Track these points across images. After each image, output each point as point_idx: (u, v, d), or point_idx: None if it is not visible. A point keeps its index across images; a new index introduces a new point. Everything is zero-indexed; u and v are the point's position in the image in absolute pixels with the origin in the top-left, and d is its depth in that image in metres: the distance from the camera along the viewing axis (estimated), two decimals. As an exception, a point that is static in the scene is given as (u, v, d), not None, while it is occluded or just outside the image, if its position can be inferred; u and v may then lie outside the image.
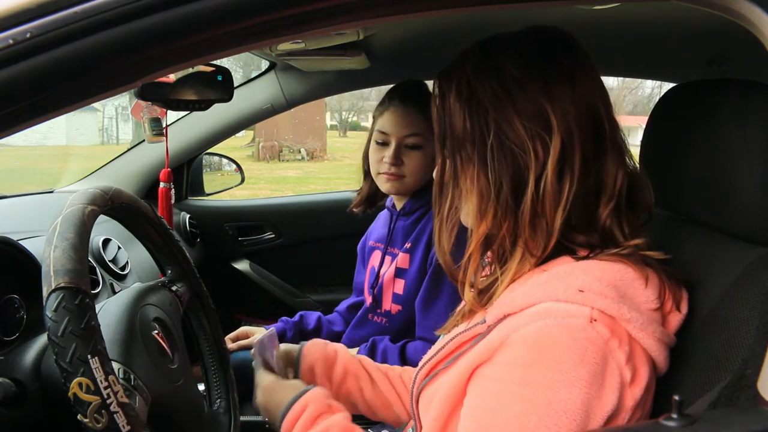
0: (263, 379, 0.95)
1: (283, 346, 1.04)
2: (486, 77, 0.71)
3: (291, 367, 1.03)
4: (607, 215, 0.70)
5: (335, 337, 1.60)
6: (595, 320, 0.63)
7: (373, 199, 1.56)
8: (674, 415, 0.52)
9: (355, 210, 1.59)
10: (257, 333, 1.61)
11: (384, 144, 1.41)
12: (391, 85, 1.48)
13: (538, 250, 0.70)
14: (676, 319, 0.70)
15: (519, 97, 0.69)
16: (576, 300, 0.64)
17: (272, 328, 1.34)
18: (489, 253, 0.77)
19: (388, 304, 1.46)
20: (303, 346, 1.04)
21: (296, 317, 1.64)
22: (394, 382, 1.04)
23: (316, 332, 1.62)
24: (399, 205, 1.48)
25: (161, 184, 1.67)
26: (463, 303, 0.80)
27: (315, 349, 1.04)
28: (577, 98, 0.69)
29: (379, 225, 1.59)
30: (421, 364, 0.79)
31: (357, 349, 1.42)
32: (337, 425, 0.82)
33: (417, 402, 0.78)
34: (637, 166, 0.77)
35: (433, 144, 1.23)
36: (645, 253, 0.70)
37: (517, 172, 0.69)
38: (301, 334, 1.61)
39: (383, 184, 1.43)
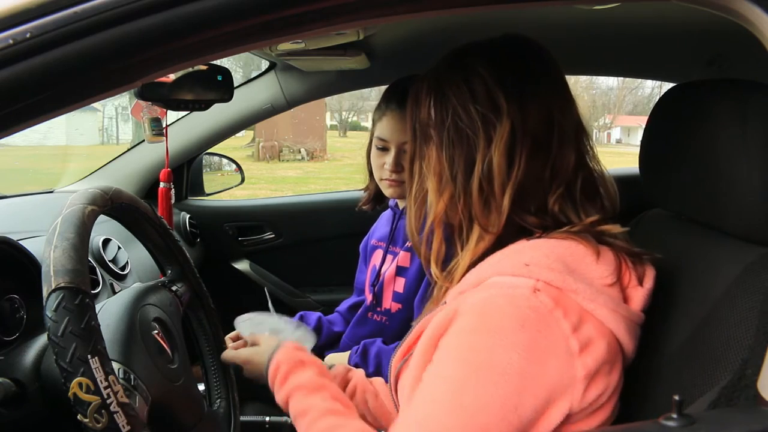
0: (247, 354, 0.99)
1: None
2: (453, 74, 0.78)
3: None
4: (555, 201, 0.75)
5: (335, 338, 1.60)
6: (539, 290, 0.66)
7: (381, 196, 1.56)
8: (674, 415, 0.52)
9: (364, 208, 1.59)
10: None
11: (384, 149, 1.41)
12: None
13: (493, 227, 0.75)
14: (638, 294, 0.73)
15: (478, 88, 0.75)
16: (521, 273, 0.68)
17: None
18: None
19: (388, 303, 1.46)
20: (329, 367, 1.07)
21: (296, 317, 1.64)
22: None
23: (317, 332, 1.62)
24: (402, 204, 1.49)
25: (161, 184, 1.67)
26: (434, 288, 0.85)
27: (337, 371, 1.08)
28: (535, 98, 0.75)
29: (381, 224, 1.59)
30: (394, 353, 0.82)
31: (349, 353, 1.42)
32: (306, 383, 0.86)
33: (396, 390, 0.81)
34: (603, 169, 0.81)
35: None
36: (602, 228, 0.74)
37: (469, 153, 0.76)
38: None
39: (386, 189, 1.44)
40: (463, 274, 0.77)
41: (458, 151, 0.76)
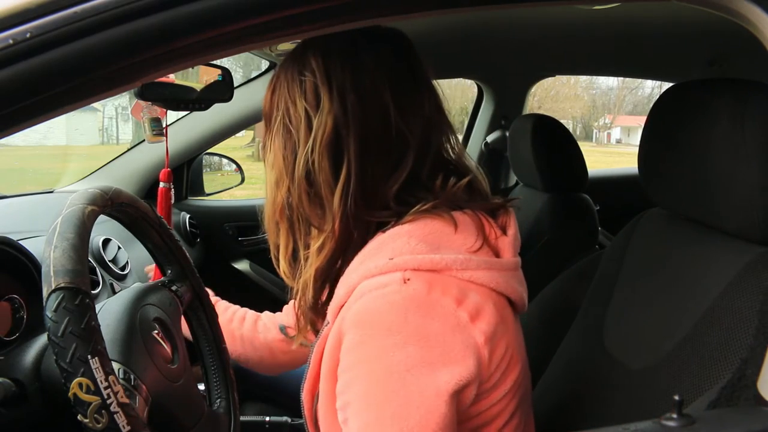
0: None
1: None
2: (292, 65, 0.76)
3: None
4: (391, 196, 0.72)
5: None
6: (408, 279, 0.65)
7: None
8: (674, 415, 0.52)
9: None
10: None
11: None
12: None
13: (328, 226, 0.73)
14: (505, 243, 0.73)
15: (308, 82, 0.73)
16: (388, 269, 0.67)
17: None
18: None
19: None
20: None
21: None
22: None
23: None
24: None
25: (161, 184, 1.67)
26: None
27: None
28: (365, 96, 0.72)
29: None
30: (302, 385, 0.79)
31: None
32: None
33: (316, 424, 0.77)
34: (476, 175, 0.78)
35: None
36: (449, 193, 0.72)
37: (294, 148, 0.75)
38: None
39: None
40: (316, 285, 0.76)
41: (288, 144, 0.75)
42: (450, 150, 0.77)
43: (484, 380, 0.66)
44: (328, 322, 0.73)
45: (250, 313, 1.17)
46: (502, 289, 0.69)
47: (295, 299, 0.82)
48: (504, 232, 0.74)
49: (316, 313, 0.80)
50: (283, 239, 0.80)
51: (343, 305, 0.70)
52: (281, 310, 1.22)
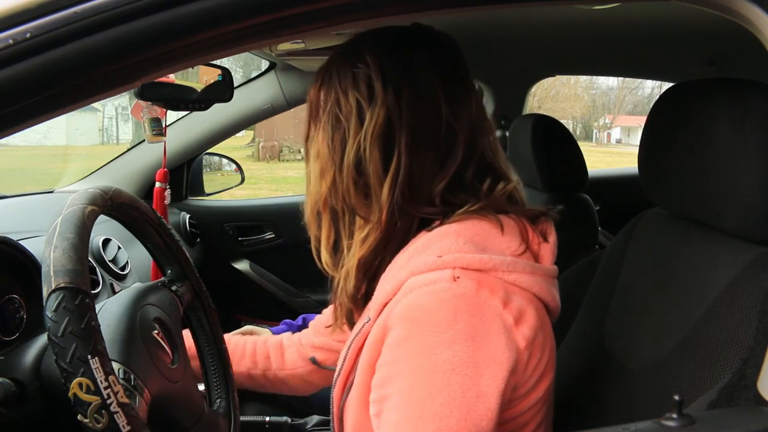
0: None
1: None
2: (344, 58, 0.77)
3: None
4: (437, 195, 0.73)
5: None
6: (458, 277, 0.65)
7: None
8: (674, 415, 0.52)
9: None
10: (261, 333, 1.61)
11: None
12: None
13: (375, 217, 0.74)
14: (546, 249, 0.74)
15: (361, 74, 0.74)
16: (437, 266, 0.67)
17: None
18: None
19: None
20: None
21: (299, 320, 1.64)
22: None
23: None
24: None
25: (156, 184, 1.67)
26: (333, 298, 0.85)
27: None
28: (419, 91, 0.73)
29: None
30: (334, 380, 0.79)
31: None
32: None
33: (341, 420, 0.77)
34: (512, 179, 0.79)
35: None
36: (494, 197, 0.73)
37: (344, 138, 0.75)
38: None
39: None
40: (359, 274, 0.76)
41: (336, 134, 0.76)
42: (492, 154, 0.78)
43: (520, 385, 0.67)
44: (369, 319, 0.73)
45: (270, 344, 1.12)
46: (542, 294, 0.69)
47: (335, 290, 0.83)
48: (545, 239, 0.74)
49: (355, 304, 0.80)
50: (325, 230, 0.81)
51: (388, 302, 0.70)
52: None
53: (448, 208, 0.73)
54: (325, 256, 0.82)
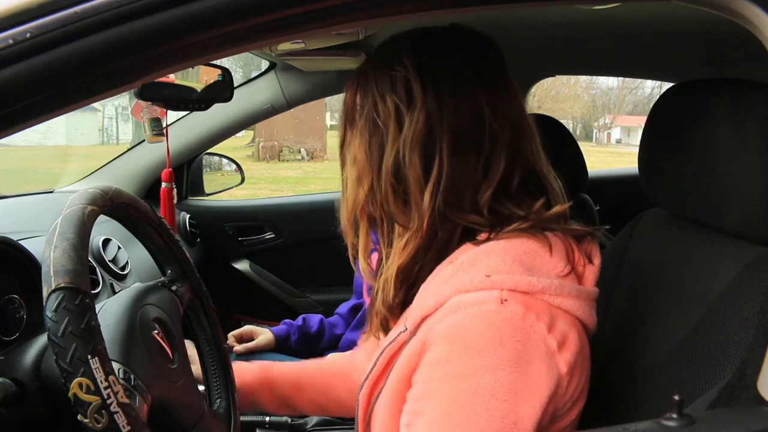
0: None
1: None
2: (381, 60, 0.75)
3: None
4: (484, 203, 0.71)
5: (337, 340, 1.60)
6: (506, 300, 0.63)
7: None
8: (674, 415, 0.52)
9: None
10: (261, 333, 1.61)
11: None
12: None
13: (414, 224, 0.72)
14: (591, 271, 0.72)
15: (399, 77, 0.72)
16: (484, 286, 0.65)
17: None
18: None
19: None
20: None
21: (299, 320, 1.64)
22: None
23: (319, 335, 1.62)
24: None
25: (163, 184, 1.67)
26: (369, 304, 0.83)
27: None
28: (459, 92, 0.71)
29: None
30: (362, 383, 0.79)
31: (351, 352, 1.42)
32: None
33: (368, 424, 0.77)
34: (550, 173, 0.77)
35: None
36: (544, 216, 0.71)
37: (382, 143, 0.73)
38: (305, 337, 1.61)
39: None
40: (397, 283, 0.75)
41: (374, 139, 0.74)
42: (534, 157, 0.75)
43: (557, 410, 0.66)
44: (406, 328, 0.71)
45: (317, 378, 1.05)
46: (584, 317, 0.68)
47: (373, 297, 0.81)
48: (590, 260, 0.72)
49: (392, 312, 0.78)
50: (362, 238, 0.79)
51: (428, 315, 0.68)
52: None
53: (496, 219, 0.71)
54: (362, 264, 0.80)
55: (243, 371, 1.03)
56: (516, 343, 0.62)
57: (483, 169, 0.71)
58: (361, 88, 0.76)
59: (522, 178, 0.73)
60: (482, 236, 0.71)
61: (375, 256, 1.53)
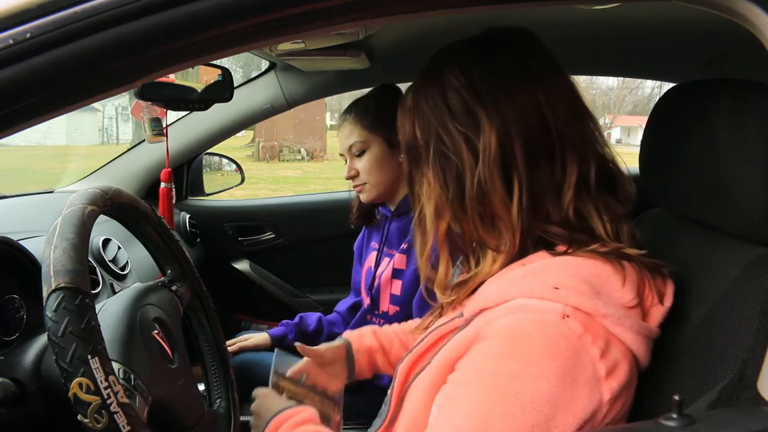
0: (263, 390, 0.97)
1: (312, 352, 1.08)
2: (430, 87, 0.74)
3: (332, 365, 1.09)
4: (568, 205, 0.71)
5: (335, 338, 1.60)
6: (568, 316, 0.64)
7: (369, 214, 1.58)
8: (674, 415, 0.52)
9: (352, 225, 1.63)
10: (257, 337, 1.62)
11: (346, 162, 1.49)
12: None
13: (506, 246, 0.72)
14: (658, 312, 0.71)
15: (455, 103, 0.72)
16: (549, 297, 0.65)
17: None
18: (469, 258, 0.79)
19: (385, 305, 1.46)
20: (347, 343, 1.11)
21: (296, 319, 1.64)
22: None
23: (317, 333, 1.62)
24: (392, 206, 1.50)
25: (162, 184, 1.67)
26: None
27: (364, 340, 1.11)
28: (517, 102, 0.71)
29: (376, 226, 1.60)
30: (403, 358, 0.80)
31: None
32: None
33: (402, 397, 0.77)
34: (614, 153, 0.77)
35: (378, 142, 1.41)
36: (625, 251, 0.71)
37: (459, 174, 0.72)
38: (303, 335, 1.61)
39: (361, 197, 1.50)
40: (477, 287, 0.74)
41: (448, 174, 0.73)
42: (599, 140, 0.75)
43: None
44: (462, 314, 0.72)
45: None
46: (639, 354, 0.67)
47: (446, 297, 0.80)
48: (660, 300, 0.71)
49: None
50: (442, 269, 0.78)
51: (488, 308, 0.69)
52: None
53: (576, 227, 0.71)
54: (440, 295, 0.79)
55: (364, 335, 1.12)
56: (566, 360, 0.62)
57: (561, 171, 0.71)
58: (419, 121, 0.75)
59: (597, 167, 0.73)
60: (560, 248, 0.71)
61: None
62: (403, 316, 1.42)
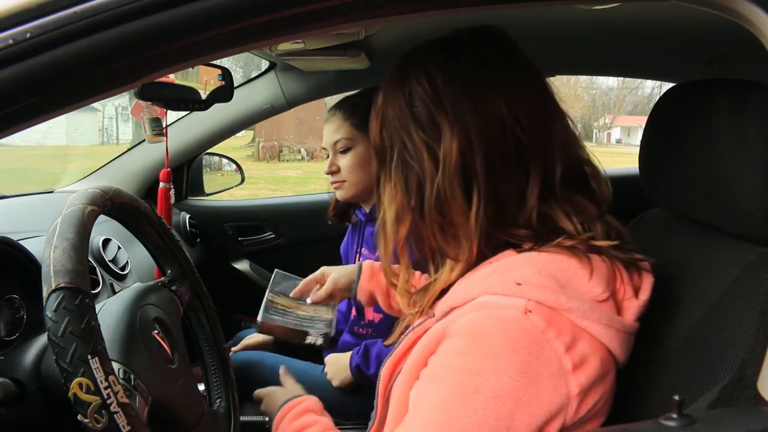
0: (264, 391, 1.02)
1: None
2: (396, 91, 0.74)
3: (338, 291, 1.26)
4: (532, 210, 0.71)
5: (337, 336, 1.59)
6: (530, 311, 0.64)
7: (345, 211, 1.58)
8: (674, 415, 0.52)
9: (329, 221, 1.62)
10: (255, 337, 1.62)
11: (328, 158, 1.49)
12: None
13: (464, 254, 0.72)
14: (633, 306, 0.70)
15: (420, 110, 0.72)
16: (512, 293, 0.65)
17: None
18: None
19: (370, 314, 1.46)
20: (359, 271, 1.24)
21: None
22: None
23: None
24: (367, 209, 1.50)
25: (161, 184, 1.67)
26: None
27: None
28: (478, 109, 0.70)
29: (350, 230, 1.61)
30: (384, 361, 0.80)
31: (350, 353, 1.42)
32: (322, 424, 0.86)
33: (387, 400, 0.78)
34: (590, 155, 0.77)
35: (365, 142, 1.42)
36: (594, 243, 0.70)
37: (419, 182, 0.72)
38: None
39: (337, 194, 1.50)
40: (440, 295, 0.74)
41: (410, 179, 0.73)
42: (569, 140, 0.74)
43: (566, 426, 0.65)
44: (434, 315, 0.73)
45: None
46: (612, 347, 0.67)
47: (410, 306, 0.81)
48: (635, 294, 0.71)
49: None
50: (403, 274, 0.79)
51: (456, 307, 0.69)
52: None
53: (543, 229, 0.71)
54: (403, 304, 0.80)
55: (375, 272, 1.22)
56: (528, 355, 0.63)
57: (524, 177, 0.71)
58: (385, 127, 0.75)
59: (563, 167, 0.72)
60: (526, 245, 0.71)
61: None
62: (389, 320, 1.40)
